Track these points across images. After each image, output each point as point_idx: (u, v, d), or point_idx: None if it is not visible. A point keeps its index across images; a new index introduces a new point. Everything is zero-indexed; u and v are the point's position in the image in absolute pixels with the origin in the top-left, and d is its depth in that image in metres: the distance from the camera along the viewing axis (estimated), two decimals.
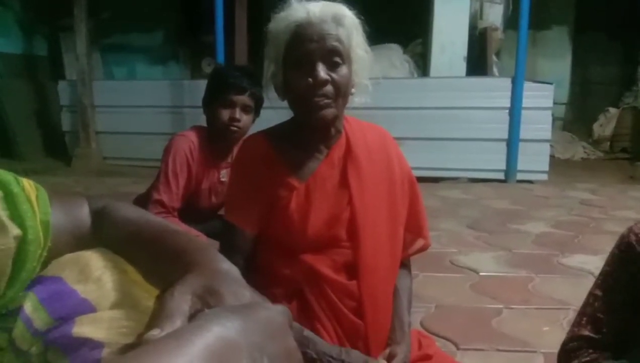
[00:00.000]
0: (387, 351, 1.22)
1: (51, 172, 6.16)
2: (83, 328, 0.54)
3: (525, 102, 5.35)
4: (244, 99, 2.17)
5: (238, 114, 2.16)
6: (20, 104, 6.77)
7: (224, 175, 2.33)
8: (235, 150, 2.31)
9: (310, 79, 1.15)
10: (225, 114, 2.17)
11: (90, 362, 0.52)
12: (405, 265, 1.40)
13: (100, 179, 5.84)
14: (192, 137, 2.25)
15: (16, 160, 6.38)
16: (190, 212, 2.24)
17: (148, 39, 8.14)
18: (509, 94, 5.40)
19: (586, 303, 1.14)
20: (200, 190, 2.30)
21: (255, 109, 2.23)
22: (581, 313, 1.14)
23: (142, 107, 6.40)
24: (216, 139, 2.25)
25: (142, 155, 6.04)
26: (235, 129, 2.18)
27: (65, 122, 6.85)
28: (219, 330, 0.42)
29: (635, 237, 1.07)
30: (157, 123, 6.02)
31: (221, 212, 2.37)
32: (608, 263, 1.13)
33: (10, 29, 7.04)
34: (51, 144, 7.05)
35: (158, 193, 2.17)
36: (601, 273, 1.14)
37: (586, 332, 1.10)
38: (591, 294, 1.14)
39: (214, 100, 2.21)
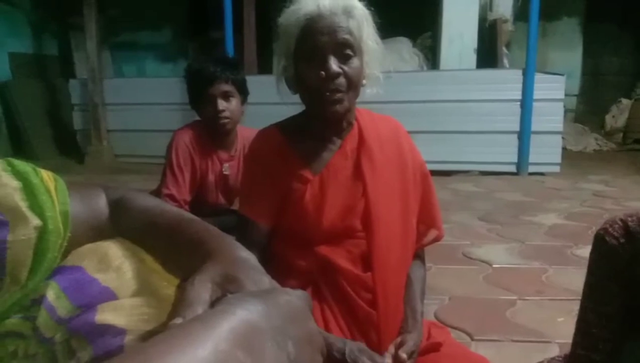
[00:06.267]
0: (399, 339, 1.22)
1: (64, 170, 6.19)
2: (105, 315, 0.55)
3: (537, 94, 5.31)
4: (220, 87, 2.15)
5: (220, 104, 2.15)
6: (32, 103, 6.84)
7: (227, 168, 2.33)
8: (238, 142, 2.32)
9: (322, 72, 1.15)
10: (209, 109, 2.17)
11: (113, 348, 0.53)
12: (419, 256, 1.40)
13: (112, 176, 5.89)
14: (192, 130, 2.27)
15: (29, 159, 6.37)
16: (200, 207, 2.25)
17: (157, 36, 8.18)
18: (520, 85, 5.37)
19: (580, 317, 1.06)
20: (207, 183, 2.31)
21: (240, 91, 2.22)
22: (577, 328, 1.07)
23: (152, 105, 6.44)
24: (213, 132, 2.26)
25: (153, 152, 6.05)
26: (224, 120, 2.18)
27: (77, 120, 6.91)
28: (243, 314, 0.43)
29: (616, 240, 0.97)
30: (167, 120, 6.03)
31: (234, 206, 2.39)
32: (592, 272, 1.03)
33: (21, 29, 7.10)
34: (63, 143, 7.12)
35: (167, 188, 2.18)
36: (587, 284, 1.05)
37: (583, 351, 1.04)
38: (582, 307, 1.06)
39: (195, 98, 2.21)
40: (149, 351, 0.36)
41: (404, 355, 1.17)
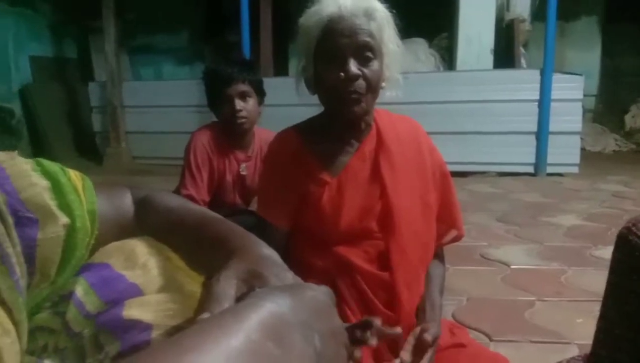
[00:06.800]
0: (418, 329, 1.22)
1: (83, 172, 6.23)
2: (132, 310, 0.56)
3: (555, 94, 5.26)
4: (237, 87, 2.17)
5: (238, 104, 2.17)
6: (52, 105, 6.94)
7: (244, 169, 2.34)
8: (255, 143, 2.34)
9: (341, 74, 1.16)
10: (227, 109, 2.19)
11: (141, 343, 0.54)
12: (438, 254, 1.41)
13: (131, 177, 5.95)
14: (209, 131, 2.29)
15: (49, 160, 6.51)
16: (218, 208, 2.27)
17: (174, 39, 8.25)
18: (538, 86, 5.32)
19: (602, 316, 1.02)
20: (225, 183, 2.32)
21: (257, 92, 2.23)
22: (598, 327, 1.03)
23: (170, 107, 6.50)
24: (230, 132, 2.28)
25: (170, 154, 6.10)
26: (241, 120, 2.19)
27: (96, 122, 6.98)
28: (271, 307, 0.43)
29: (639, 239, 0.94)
30: (185, 122, 6.06)
31: (251, 207, 2.40)
32: (614, 271, 1.00)
33: (42, 33, 7.21)
34: (82, 144, 7.20)
35: (185, 188, 2.20)
36: (609, 282, 1.01)
37: (604, 351, 1.00)
38: (604, 305, 1.02)
39: (213, 99, 2.24)
40: (185, 342, 0.37)
41: (429, 337, 1.17)
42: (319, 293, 0.52)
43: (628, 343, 0.95)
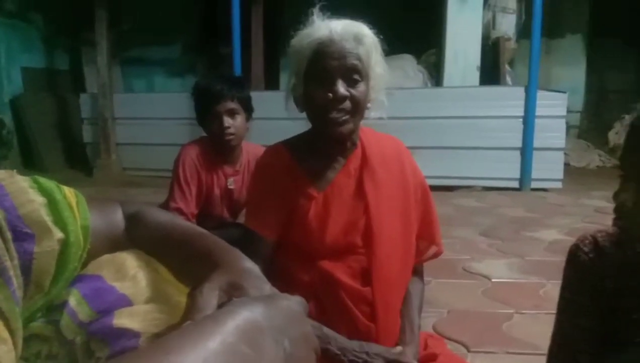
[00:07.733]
0: (398, 349, 1.26)
1: (73, 183, 6.04)
2: (122, 320, 0.61)
3: (539, 111, 5.34)
4: (226, 104, 2.22)
5: (226, 122, 2.22)
6: (43, 116, 6.92)
7: (231, 183, 2.39)
8: (243, 157, 2.39)
9: (330, 94, 1.22)
10: (215, 126, 2.24)
11: (129, 350, 0.59)
12: (417, 271, 1.45)
13: (121, 189, 5.93)
14: (198, 145, 2.34)
15: (39, 171, 6.50)
16: (205, 220, 2.31)
17: (166, 51, 8.26)
18: (522, 102, 5.40)
19: (556, 330, 1.07)
20: (213, 197, 2.36)
21: (245, 108, 2.29)
22: (553, 341, 1.08)
23: (161, 119, 6.50)
24: (218, 148, 2.33)
25: (161, 166, 6.09)
26: (229, 136, 2.24)
27: (87, 134, 6.96)
28: (246, 314, 0.49)
29: (587, 256, 1.01)
30: (176, 134, 6.08)
31: (238, 220, 2.44)
32: (566, 286, 1.06)
33: (34, 44, 7.22)
34: (73, 156, 7.19)
35: (174, 201, 2.24)
36: (562, 298, 1.06)
37: None
38: (558, 320, 1.07)
39: (202, 115, 2.28)
40: (167, 344, 0.42)
41: None
42: (292, 302, 0.57)
43: (583, 355, 1.00)
